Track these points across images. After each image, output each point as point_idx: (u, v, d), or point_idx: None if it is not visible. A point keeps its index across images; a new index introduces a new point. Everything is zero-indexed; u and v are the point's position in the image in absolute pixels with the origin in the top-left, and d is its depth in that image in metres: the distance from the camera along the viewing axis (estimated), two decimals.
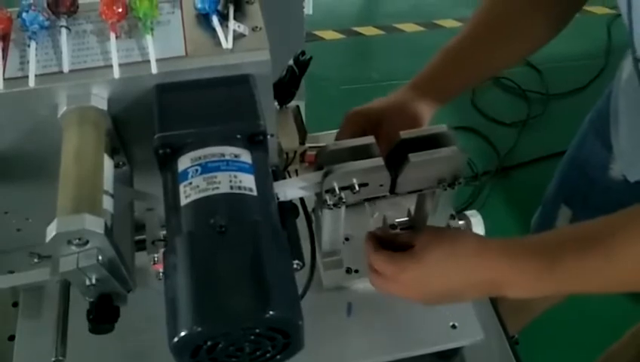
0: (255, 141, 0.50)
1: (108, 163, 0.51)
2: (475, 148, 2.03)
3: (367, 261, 0.63)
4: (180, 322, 0.40)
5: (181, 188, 0.46)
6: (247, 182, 0.47)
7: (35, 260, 0.64)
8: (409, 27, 2.59)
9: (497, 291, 0.57)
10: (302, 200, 0.65)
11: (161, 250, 0.62)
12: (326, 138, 0.85)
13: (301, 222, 0.62)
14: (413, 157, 0.59)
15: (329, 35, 2.54)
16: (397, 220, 0.74)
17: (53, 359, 0.50)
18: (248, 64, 0.53)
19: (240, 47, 0.53)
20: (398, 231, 0.66)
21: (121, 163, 0.56)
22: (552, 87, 2.25)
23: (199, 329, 0.39)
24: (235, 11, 0.55)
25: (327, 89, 2.18)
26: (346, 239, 0.76)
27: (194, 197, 0.45)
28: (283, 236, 0.46)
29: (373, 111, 0.72)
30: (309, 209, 0.67)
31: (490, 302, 0.75)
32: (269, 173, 0.50)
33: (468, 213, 0.74)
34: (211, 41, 0.54)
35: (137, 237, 0.61)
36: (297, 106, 0.79)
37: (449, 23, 2.59)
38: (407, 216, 0.75)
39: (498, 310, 0.74)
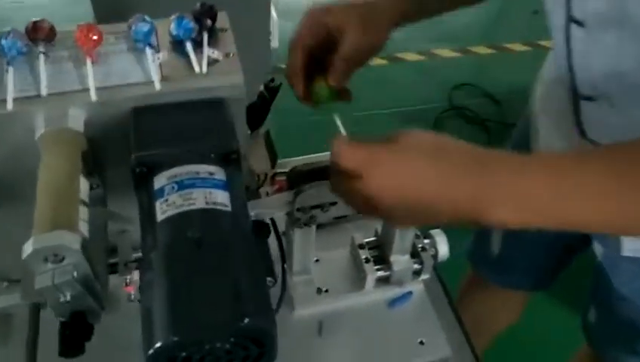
0: (229, 159, 0.52)
1: (83, 184, 0.52)
2: None
3: (331, 160, 0.51)
4: (156, 333, 0.41)
5: (157, 205, 0.47)
6: (222, 198, 0.48)
7: (5, 284, 0.64)
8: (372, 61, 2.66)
9: (479, 210, 0.48)
10: (273, 221, 0.66)
11: (134, 272, 0.63)
12: (294, 165, 0.87)
13: (272, 244, 0.63)
14: None
15: None
16: (365, 240, 0.77)
17: None
18: (222, 87, 0.55)
19: (214, 71, 0.56)
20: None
21: (95, 185, 0.57)
22: (510, 117, 2.34)
23: (175, 338, 0.40)
24: (209, 38, 0.57)
25: (293, 119, 2.22)
26: (316, 260, 0.78)
27: (170, 213, 0.47)
28: (256, 250, 0.48)
29: (332, 20, 0.67)
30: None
31: (456, 320, 0.77)
32: (243, 190, 0.52)
33: (433, 232, 0.77)
34: (186, 66, 0.56)
35: (110, 261, 0.62)
36: (268, 131, 0.82)
37: (410, 57, 2.68)
38: (375, 236, 0.78)
39: (464, 327, 0.77)
